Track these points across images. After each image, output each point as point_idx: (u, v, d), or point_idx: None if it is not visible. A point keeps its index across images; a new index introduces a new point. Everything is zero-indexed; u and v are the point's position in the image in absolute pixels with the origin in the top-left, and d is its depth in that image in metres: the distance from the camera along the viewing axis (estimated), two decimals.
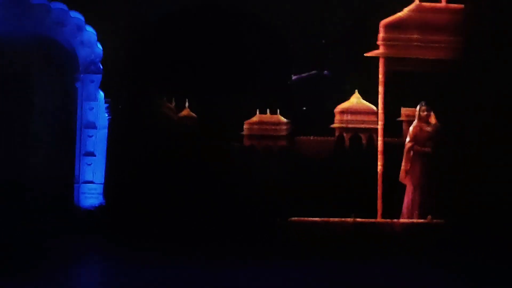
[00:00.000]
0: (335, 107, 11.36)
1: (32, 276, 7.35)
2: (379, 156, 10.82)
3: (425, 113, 10.73)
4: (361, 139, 11.26)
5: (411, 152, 10.73)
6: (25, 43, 11.73)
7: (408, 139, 10.76)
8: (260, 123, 11.48)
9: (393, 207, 10.77)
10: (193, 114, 11.46)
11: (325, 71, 11.45)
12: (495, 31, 10.73)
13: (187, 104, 11.39)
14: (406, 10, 10.90)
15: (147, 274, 7.88)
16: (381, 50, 10.83)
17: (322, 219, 10.47)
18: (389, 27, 10.91)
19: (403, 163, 10.78)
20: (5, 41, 11.71)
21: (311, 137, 11.39)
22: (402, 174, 10.82)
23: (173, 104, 11.43)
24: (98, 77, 11.61)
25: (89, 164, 11.73)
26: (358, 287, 7.31)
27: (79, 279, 8.06)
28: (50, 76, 12.02)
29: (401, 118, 10.98)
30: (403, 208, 10.78)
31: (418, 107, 10.75)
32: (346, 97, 11.37)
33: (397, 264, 8.88)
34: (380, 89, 10.84)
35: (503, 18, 10.68)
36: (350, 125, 11.27)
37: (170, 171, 10.60)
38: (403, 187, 10.83)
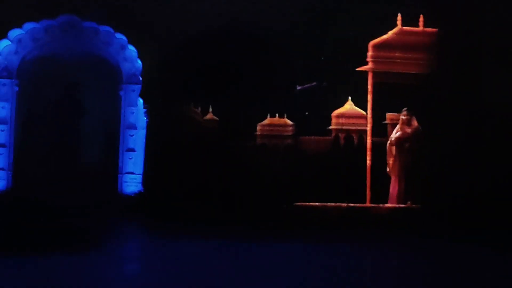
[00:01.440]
0: (332, 112, 12.19)
1: (87, 246, 8.24)
2: (368, 153, 11.63)
3: (407, 117, 11.48)
4: (353, 139, 12.07)
5: (393, 149, 11.54)
6: (78, 59, 12.64)
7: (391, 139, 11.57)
8: (270, 125, 12.27)
9: (379, 195, 11.52)
10: (216, 118, 12.22)
11: (324, 83, 12.30)
12: (463, 50, 11.44)
13: (210, 109, 12.20)
14: (390, 33, 11.69)
15: (176, 246, 8.54)
16: (370, 65, 11.58)
17: (321, 204, 11.16)
18: (376, 46, 11.68)
19: (387, 158, 11.61)
20: (62, 57, 12.63)
21: (312, 137, 12.25)
22: (388, 167, 11.61)
23: (199, 109, 12.25)
24: (138, 87, 12.44)
25: (130, 158, 12.54)
26: (348, 257, 7.98)
27: (122, 249, 8.81)
28: (99, 86, 12.92)
29: (386, 122, 11.80)
30: (389, 195, 11.49)
31: (401, 113, 11.54)
32: (341, 104, 12.21)
33: (382, 242, 9.52)
34: (369, 97, 11.65)
35: (468, 39, 11.42)
36: (344, 127, 12.11)
37: (196, 164, 11.40)
38: (387, 177, 11.57)
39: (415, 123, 11.57)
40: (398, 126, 11.52)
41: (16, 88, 12.55)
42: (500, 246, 8.83)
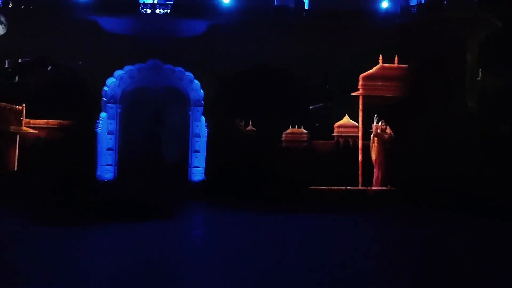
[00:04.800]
0: (334, 123, 15.35)
1: (168, 216, 10.85)
2: (360, 152, 14.89)
3: (384, 126, 14.74)
4: (349, 142, 15.28)
5: (375, 140, 14.62)
6: (161, 90, 16.10)
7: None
8: (291, 133, 15.38)
9: (368, 181, 14.68)
10: (254, 129, 15.44)
11: (329, 104, 15.56)
12: (427, 80, 14.64)
13: (250, 123, 15.46)
14: (374, 68, 15.01)
15: (230, 217, 11.58)
16: (360, 91, 14.82)
17: (328, 187, 14.20)
18: (365, 78, 14.89)
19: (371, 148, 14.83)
20: (150, 89, 16.22)
21: (321, 141, 15.31)
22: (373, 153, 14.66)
23: (243, 123, 15.55)
24: (201, 108, 15.85)
25: (197, 157, 15.94)
26: (346, 224, 10.74)
27: (192, 219, 11.83)
28: (175, 108, 16.25)
29: (372, 130, 14.85)
30: (373, 181, 14.69)
31: (380, 123, 14.72)
32: (341, 118, 15.38)
33: (370, 213, 12.14)
34: (360, 113, 14.84)
35: (429, 72, 14.60)
36: (343, 134, 15.32)
37: (242, 160, 14.40)
38: (373, 169, 14.68)
39: (389, 130, 14.91)
40: (377, 131, 15.02)
41: (119, 110, 16.33)
42: (457, 215, 11.79)
